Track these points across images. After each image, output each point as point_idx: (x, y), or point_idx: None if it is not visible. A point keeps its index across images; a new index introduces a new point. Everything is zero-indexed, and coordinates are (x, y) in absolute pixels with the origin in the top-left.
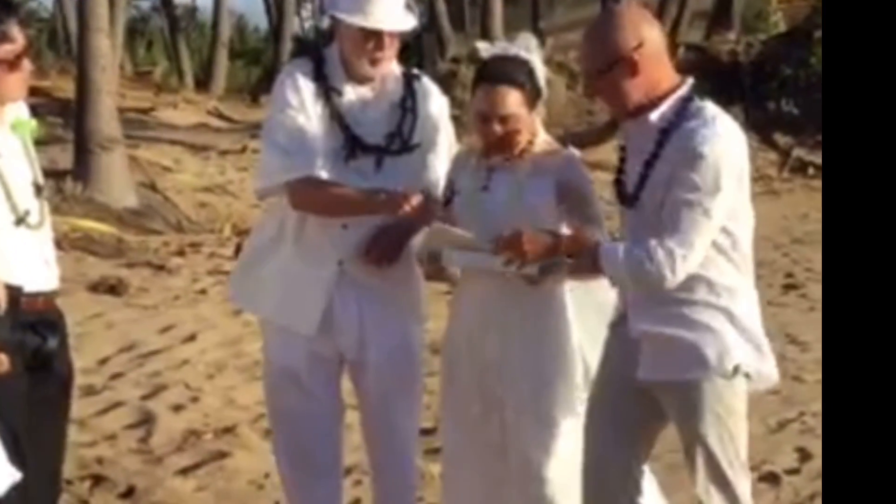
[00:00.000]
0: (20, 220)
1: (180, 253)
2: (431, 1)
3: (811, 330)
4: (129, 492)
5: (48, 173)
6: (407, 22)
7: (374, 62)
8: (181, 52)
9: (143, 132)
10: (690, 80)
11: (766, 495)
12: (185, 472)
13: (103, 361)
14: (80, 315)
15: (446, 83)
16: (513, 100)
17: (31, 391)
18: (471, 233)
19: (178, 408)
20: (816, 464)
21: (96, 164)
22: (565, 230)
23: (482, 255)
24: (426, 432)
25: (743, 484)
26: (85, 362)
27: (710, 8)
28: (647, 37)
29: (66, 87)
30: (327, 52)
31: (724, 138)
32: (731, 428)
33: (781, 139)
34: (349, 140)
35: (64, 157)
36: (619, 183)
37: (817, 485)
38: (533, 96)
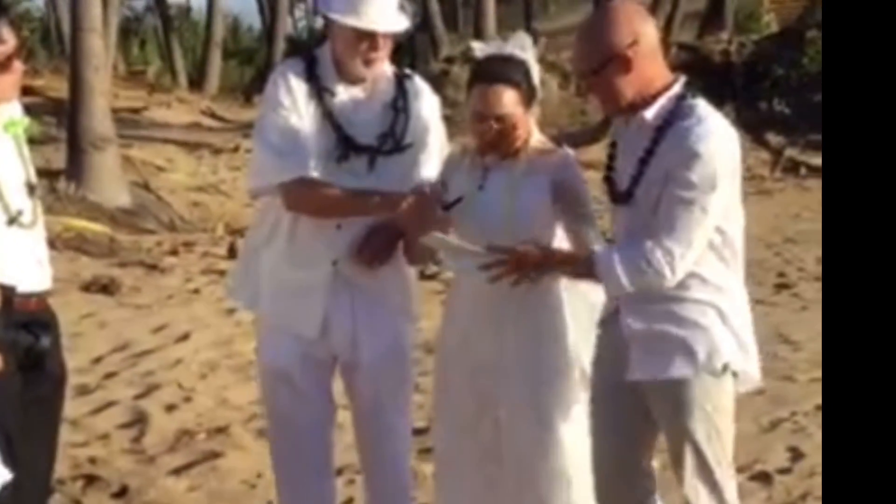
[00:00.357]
0: (13, 220)
1: (173, 252)
2: (424, 1)
3: (803, 329)
4: (122, 492)
5: (41, 173)
6: (400, 23)
7: (367, 62)
8: (174, 51)
9: (137, 132)
10: (683, 78)
11: (758, 495)
12: (177, 471)
13: (96, 361)
14: (73, 315)
15: (438, 83)
16: (509, 99)
17: (24, 391)
18: (466, 231)
19: (170, 407)
20: (808, 463)
21: (89, 164)
22: (559, 231)
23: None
24: (419, 432)
25: (730, 483)
26: (78, 362)
27: (703, 8)
28: (643, 33)
29: (59, 87)
30: (319, 52)
31: (719, 136)
32: (718, 426)
33: (773, 139)
34: (341, 140)
35: (57, 157)
36: (608, 181)
37: (809, 484)
38: (529, 96)
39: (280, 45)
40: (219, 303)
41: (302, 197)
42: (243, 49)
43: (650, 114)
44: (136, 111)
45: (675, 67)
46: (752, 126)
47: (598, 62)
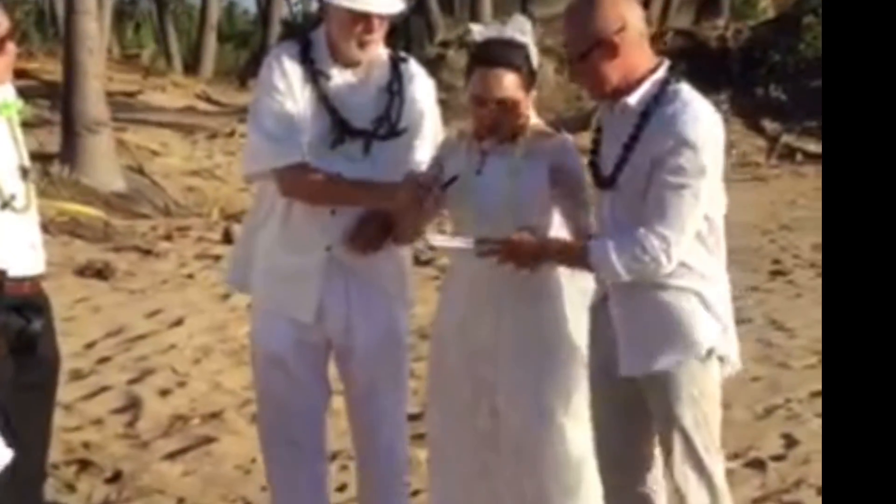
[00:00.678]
0: (6, 204)
1: (168, 237)
2: None
3: (798, 316)
4: (116, 476)
5: (35, 156)
6: (395, 5)
7: (362, 45)
8: (169, 35)
9: (131, 115)
10: (667, 62)
11: (752, 481)
12: (171, 456)
13: (90, 346)
14: (66, 299)
15: (434, 67)
16: (510, 83)
17: (17, 376)
18: (464, 216)
19: (164, 392)
20: (802, 450)
21: (83, 148)
22: (556, 216)
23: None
24: (413, 417)
25: (718, 468)
26: (71, 346)
27: None
28: (630, 19)
29: (53, 70)
30: (314, 35)
31: (706, 121)
32: (705, 410)
33: (769, 125)
34: (337, 124)
35: (51, 140)
36: (593, 165)
37: (803, 471)
38: (529, 79)
39: (275, 29)
40: (213, 288)
41: (297, 183)
42: (238, 32)
43: (634, 99)
44: (130, 95)
45: (672, 53)
46: (748, 112)
47: (586, 47)
